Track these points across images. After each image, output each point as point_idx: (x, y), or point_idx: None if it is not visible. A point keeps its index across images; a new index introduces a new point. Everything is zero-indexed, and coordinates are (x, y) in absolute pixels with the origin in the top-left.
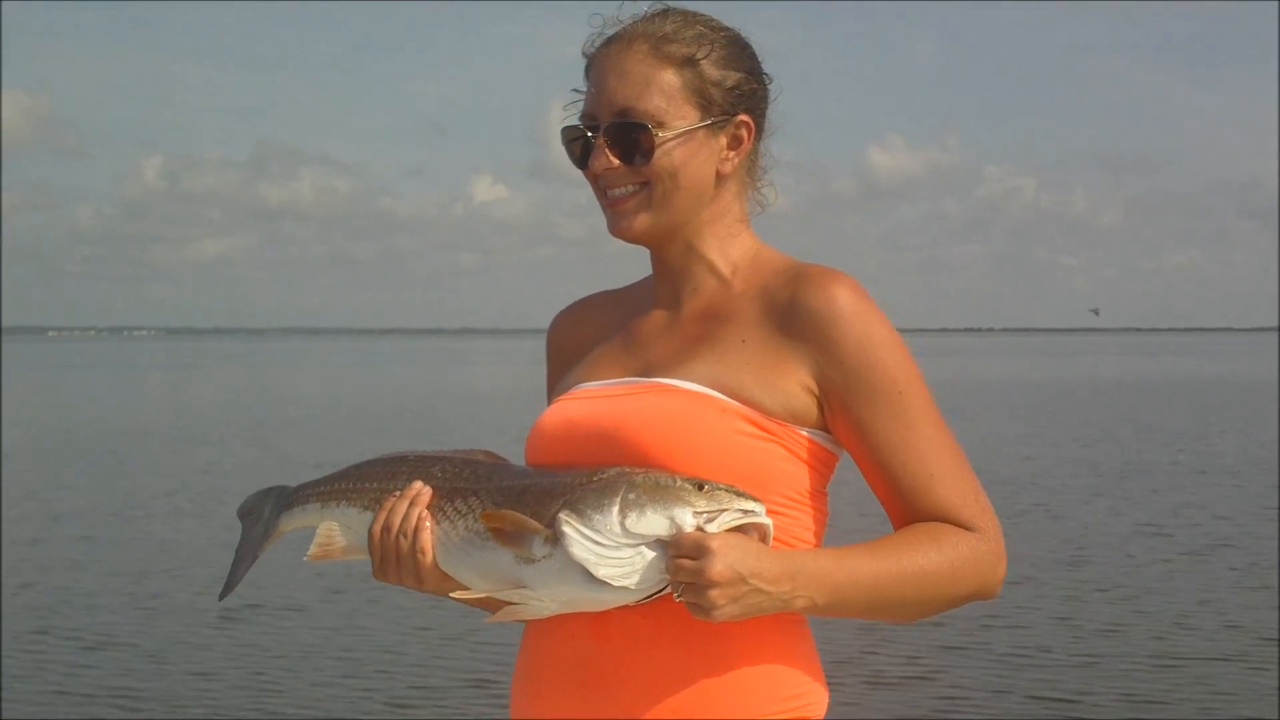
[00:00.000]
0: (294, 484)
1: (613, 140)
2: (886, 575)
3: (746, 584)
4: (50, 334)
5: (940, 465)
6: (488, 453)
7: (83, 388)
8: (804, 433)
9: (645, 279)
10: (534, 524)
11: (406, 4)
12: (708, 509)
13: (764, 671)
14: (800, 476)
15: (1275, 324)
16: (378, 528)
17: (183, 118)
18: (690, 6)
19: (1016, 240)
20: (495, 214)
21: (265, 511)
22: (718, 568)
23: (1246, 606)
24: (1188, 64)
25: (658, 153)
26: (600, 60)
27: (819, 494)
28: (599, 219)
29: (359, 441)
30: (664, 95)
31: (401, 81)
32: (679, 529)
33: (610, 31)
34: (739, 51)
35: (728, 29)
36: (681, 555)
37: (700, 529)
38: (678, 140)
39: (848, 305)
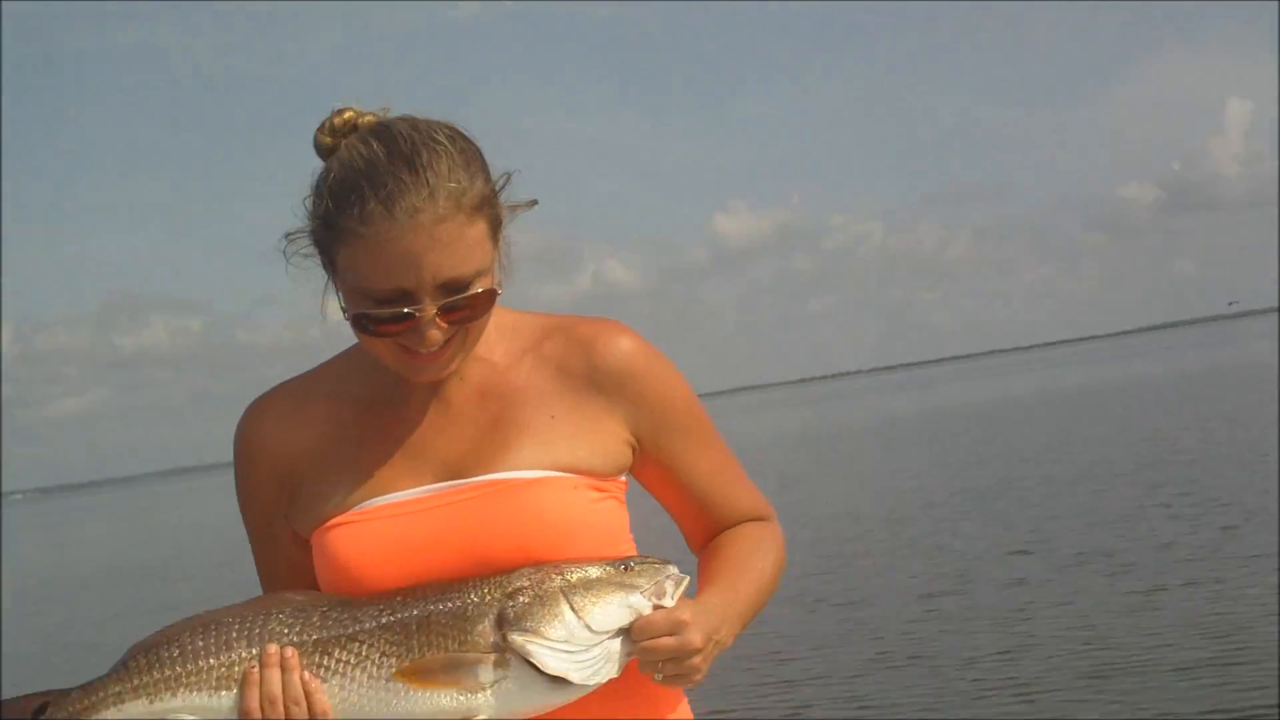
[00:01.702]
0: (60, 689)
1: (446, 310)
2: (757, 588)
3: (712, 641)
4: None
5: (735, 473)
6: (300, 590)
7: None
8: (622, 478)
9: (338, 361)
10: (474, 655)
11: (224, 141)
12: (649, 585)
13: (675, 717)
14: (625, 517)
15: (1140, 325)
16: (254, 704)
17: (23, 282)
18: (408, 114)
19: (872, 284)
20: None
21: None
22: (699, 636)
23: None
24: (1007, 91)
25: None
26: (392, 232)
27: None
28: None
29: (235, 578)
30: (480, 247)
31: (234, 216)
32: (639, 613)
33: (384, 195)
34: (478, 152)
35: (463, 134)
36: (656, 635)
37: (658, 606)
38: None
39: (641, 354)
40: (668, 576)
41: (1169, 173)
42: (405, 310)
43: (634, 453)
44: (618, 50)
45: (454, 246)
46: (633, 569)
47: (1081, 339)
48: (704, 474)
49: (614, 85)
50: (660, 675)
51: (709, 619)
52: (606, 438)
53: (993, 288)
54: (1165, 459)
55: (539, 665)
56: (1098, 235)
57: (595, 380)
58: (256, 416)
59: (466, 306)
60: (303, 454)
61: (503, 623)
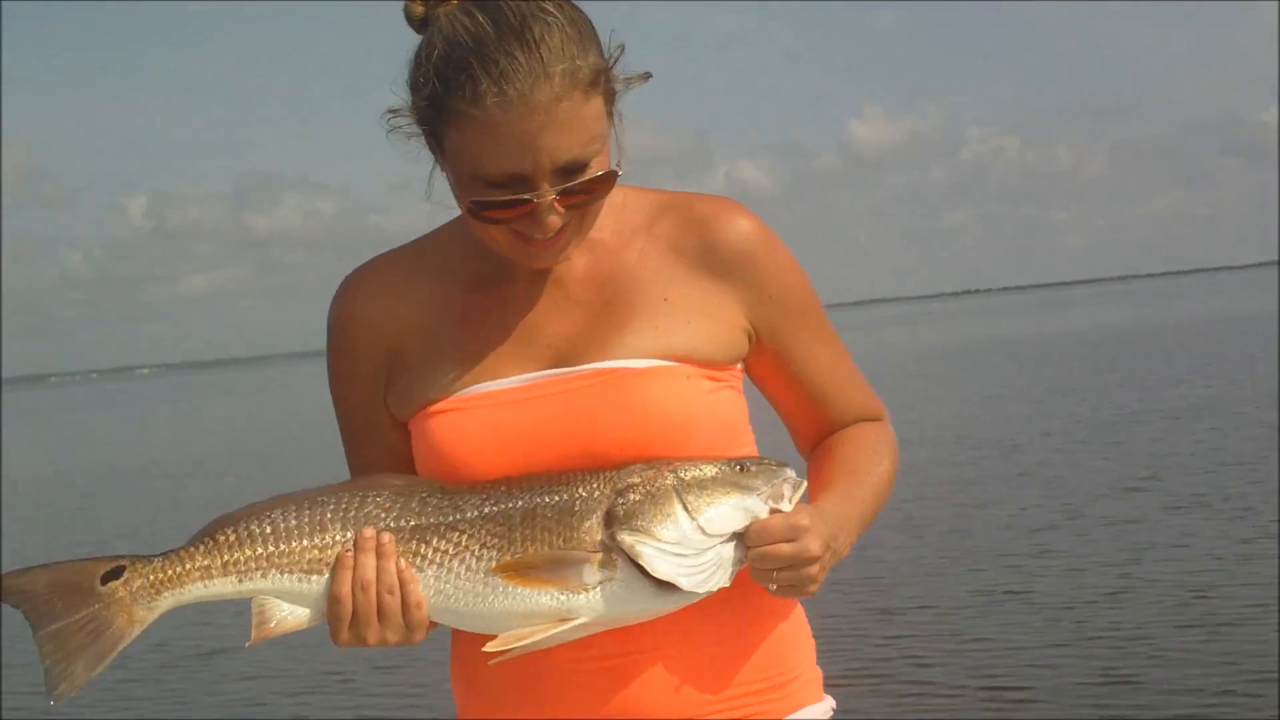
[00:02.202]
0: (136, 554)
1: (565, 194)
2: (874, 494)
3: (830, 549)
4: (52, 380)
5: (850, 370)
6: (397, 473)
7: (76, 431)
8: (739, 368)
9: (442, 235)
10: (579, 554)
11: (352, 9)
12: (765, 488)
13: (787, 629)
14: (744, 409)
15: (1274, 258)
16: (345, 589)
17: (161, 156)
18: None
19: (1005, 199)
20: None
21: (95, 595)
22: (817, 543)
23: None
24: (1145, 6)
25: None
26: (506, 114)
27: None
28: None
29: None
30: (599, 123)
31: (368, 96)
32: (755, 517)
33: (495, 74)
34: (589, 22)
35: (571, 2)
36: (773, 541)
37: (775, 510)
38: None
39: (760, 236)
40: (785, 479)
41: None
42: (523, 196)
43: (750, 341)
44: None
45: (571, 126)
46: (749, 470)
47: (1216, 268)
48: (821, 367)
49: None
50: (775, 585)
51: (827, 526)
52: (723, 324)
53: (1126, 210)
54: None
55: (647, 568)
56: (1234, 160)
57: (712, 261)
58: (358, 290)
59: (586, 190)
60: (407, 332)
61: (611, 520)
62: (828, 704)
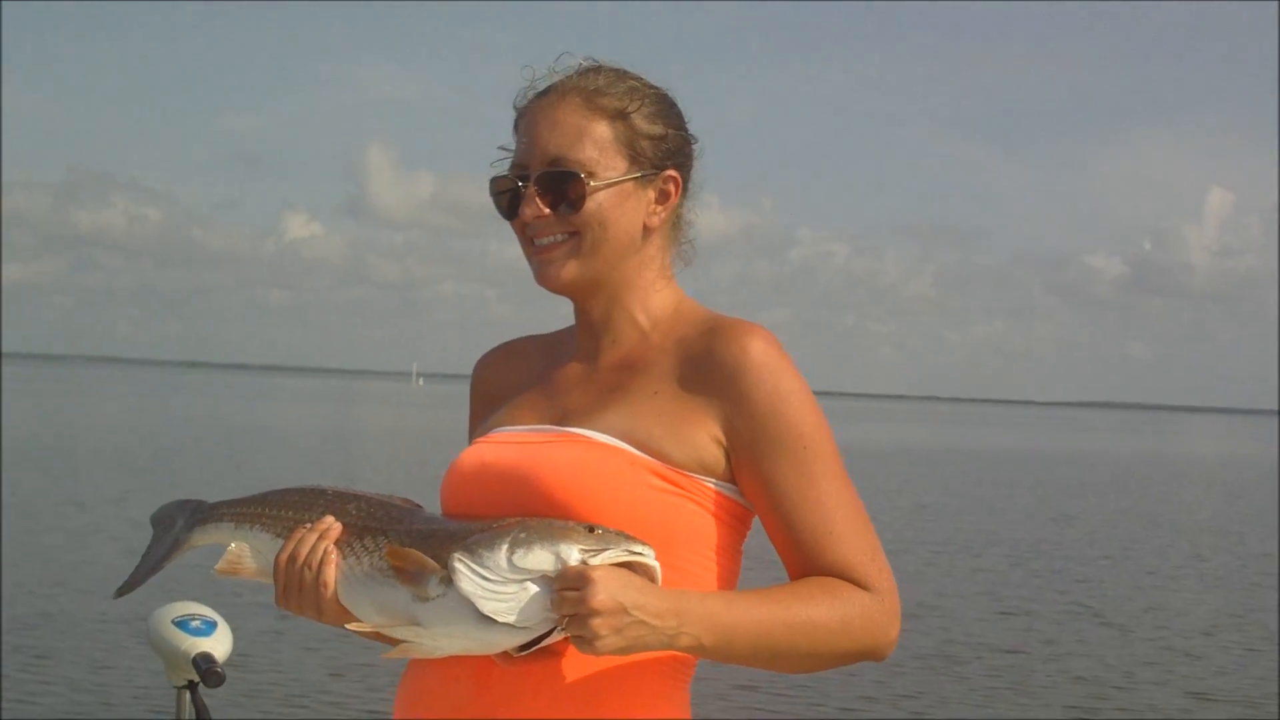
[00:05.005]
0: (210, 500)
1: (543, 189)
2: (776, 622)
3: (629, 615)
4: None
5: (841, 523)
6: (406, 499)
7: None
8: (713, 485)
9: (571, 327)
10: (432, 563)
11: (221, 35)
12: (594, 546)
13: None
14: (709, 530)
15: (1078, 399)
16: (284, 556)
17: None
18: (621, 65)
19: (826, 304)
20: (307, 251)
21: (178, 522)
22: (599, 597)
23: None
24: (999, 135)
25: (588, 202)
26: (532, 112)
27: (729, 550)
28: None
29: (144, 476)
30: (595, 146)
31: (216, 111)
32: (564, 563)
33: (542, 85)
34: (668, 109)
35: (657, 87)
36: (566, 588)
37: (584, 563)
38: (607, 190)
39: (759, 357)
40: (619, 547)
41: (1139, 251)
42: (517, 180)
43: (727, 458)
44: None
45: (565, 128)
46: (595, 532)
47: (1018, 401)
48: (796, 503)
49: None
50: (563, 629)
51: (626, 590)
52: (691, 427)
53: (943, 333)
54: (1063, 541)
55: (456, 584)
56: (1054, 299)
57: (702, 369)
58: (482, 357)
59: (553, 186)
60: (498, 391)
61: (463, 545)
62: None
